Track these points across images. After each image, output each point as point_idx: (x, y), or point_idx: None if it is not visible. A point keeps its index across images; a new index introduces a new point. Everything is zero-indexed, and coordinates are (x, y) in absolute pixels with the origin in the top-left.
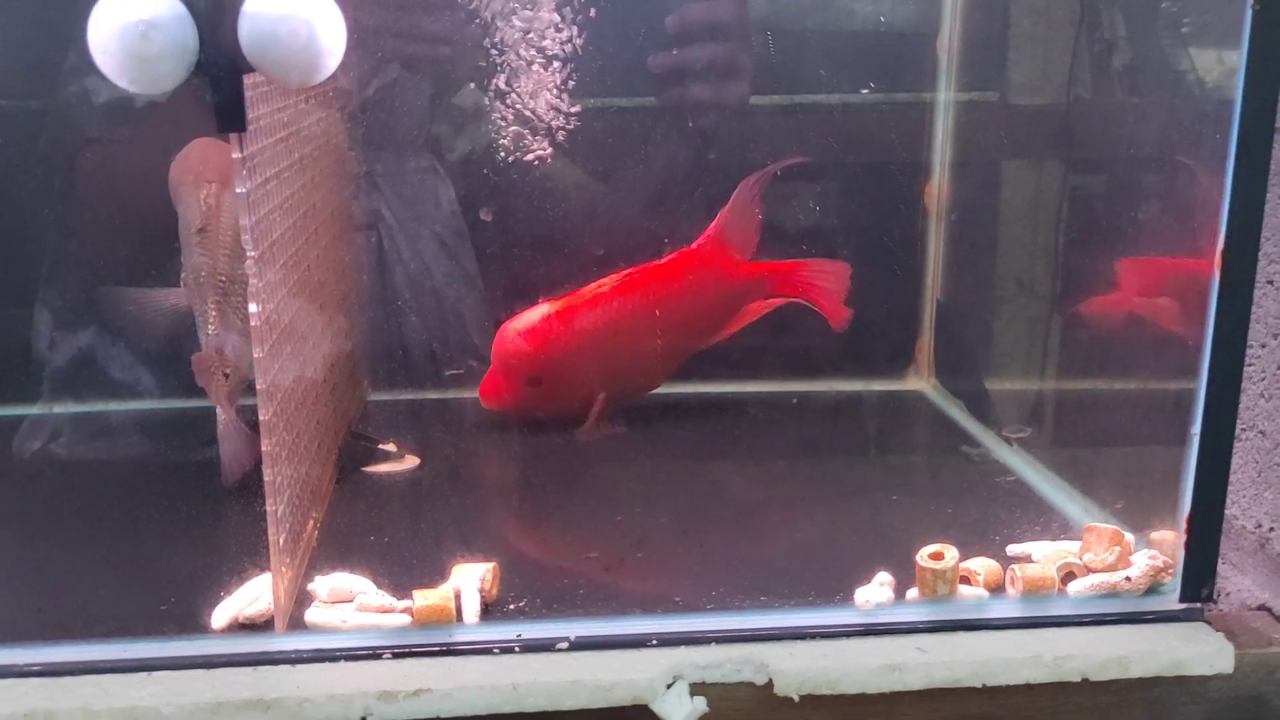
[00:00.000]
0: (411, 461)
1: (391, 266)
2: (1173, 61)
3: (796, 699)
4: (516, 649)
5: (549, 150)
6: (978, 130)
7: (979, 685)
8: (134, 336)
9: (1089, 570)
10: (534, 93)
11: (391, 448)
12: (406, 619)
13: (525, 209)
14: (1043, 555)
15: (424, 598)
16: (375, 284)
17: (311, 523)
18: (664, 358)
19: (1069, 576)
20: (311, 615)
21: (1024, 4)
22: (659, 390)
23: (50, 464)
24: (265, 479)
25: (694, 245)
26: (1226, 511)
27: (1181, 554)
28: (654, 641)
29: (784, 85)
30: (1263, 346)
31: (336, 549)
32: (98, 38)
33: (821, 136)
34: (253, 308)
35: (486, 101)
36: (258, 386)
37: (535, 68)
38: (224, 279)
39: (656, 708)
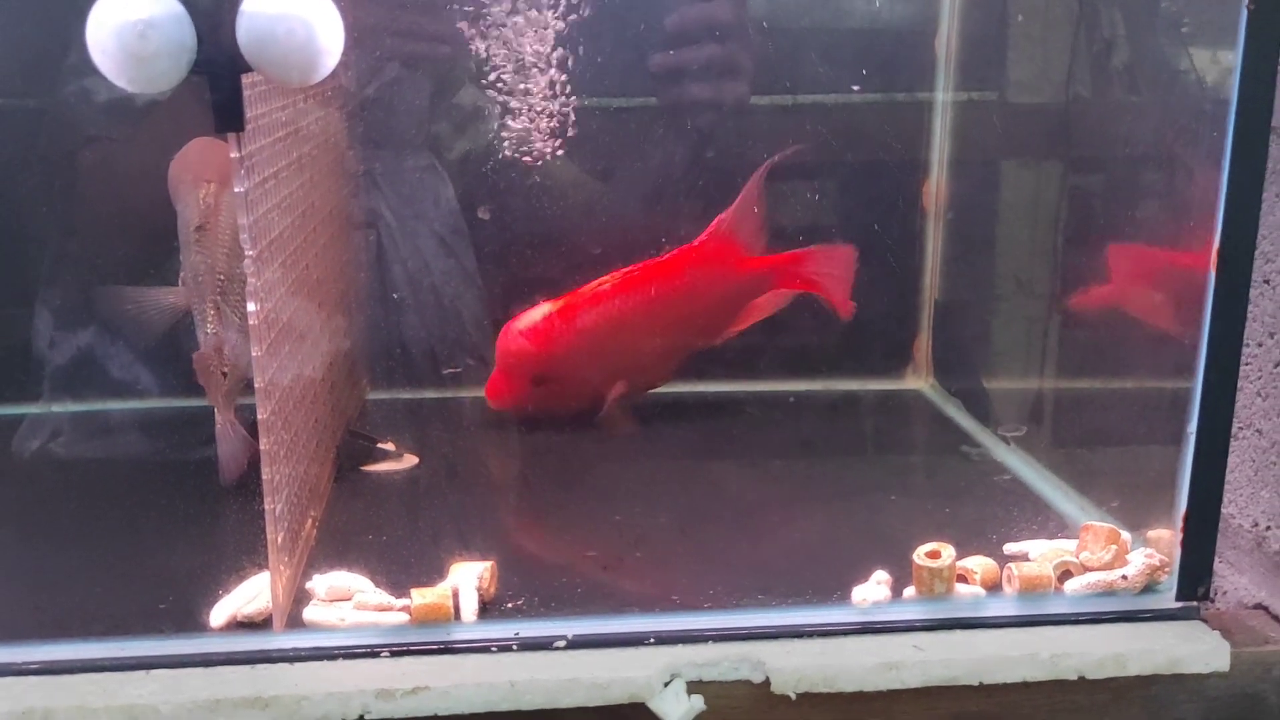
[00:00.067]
0: (410, 460)
1: (390, 265)
2: (1171, 61)
3: (794, 697)
4: (514, 647)
5: (548, 149)
6: (976, 129)
7: (976, 683)
8: (132, 335)
9: (1085, 569)
10: (533, 92)
11: (390, 446)
12: (404, 617)
13: (524, 208)
14: (1039, 554)
15: (422, 596)
16: (374, 282)
17: (310, 521)
18: (668, 354)
19: (1065, 575)
20: (309, 614)
21: (1022, 3)
22: (657, 390)
23: (49, 463)
24: (263, 477)
25: (696, 241)
26: (1223, 510)
27: (1178, 552)
28: (651, 640)
29: (782, 84)
30: (1259, 345)
31: (335, 547)
32: (96, 37)
33: (820, 136)
34: (251, 306)
35: (486, 100)
36: (256, 385)
37: (534, 67)
38: (222, 278)
39: (654, 706)
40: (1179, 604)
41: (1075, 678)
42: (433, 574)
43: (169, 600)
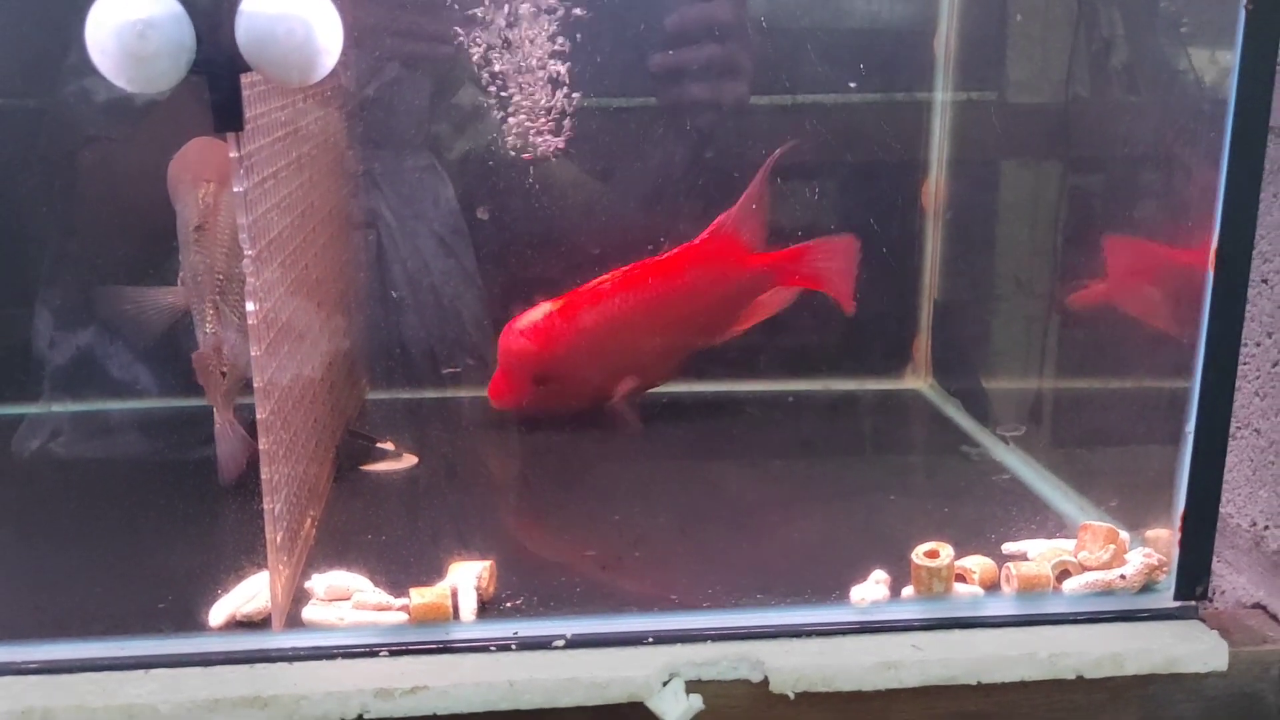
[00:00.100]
0: (409, 460)
1: (390, 265)
2: (1170, 61)
3: (792, 696)
4: (513, 646)
5: (547, 149)
6: (975, 129)
7: (974, 683)
8: (132, 335)
9: (1084, 568)
10: (533, 91)
11: (389, 446)
12: (403, 617)
13: (524, 207)
14: (1038, 553)
15: (421, 595)
16: (374, 282)
17: (309, 521)
18: (671, 352)
19: (1064, 574)
20: (308, 613)
21: (1021, 3)
22: (656, 390)
23: (49, 463)
24: (263, 477)
25: (697, 240)
26: (1222, 510)
27: (1176, 552)
28: (650, 639)
29: (782, 84)
30: (1257, 345)
31: (334, 547)
32: (95, 37)
33: (819, 135)
34: (250, 306)
35: (485, 100)
36: (255, 385)
37: (534, 67)
38: (221, 277)
39: (652, 705)
40: (1177, 603)
41: (1073, 677)
42: (432, 573)
43: (168, 600)
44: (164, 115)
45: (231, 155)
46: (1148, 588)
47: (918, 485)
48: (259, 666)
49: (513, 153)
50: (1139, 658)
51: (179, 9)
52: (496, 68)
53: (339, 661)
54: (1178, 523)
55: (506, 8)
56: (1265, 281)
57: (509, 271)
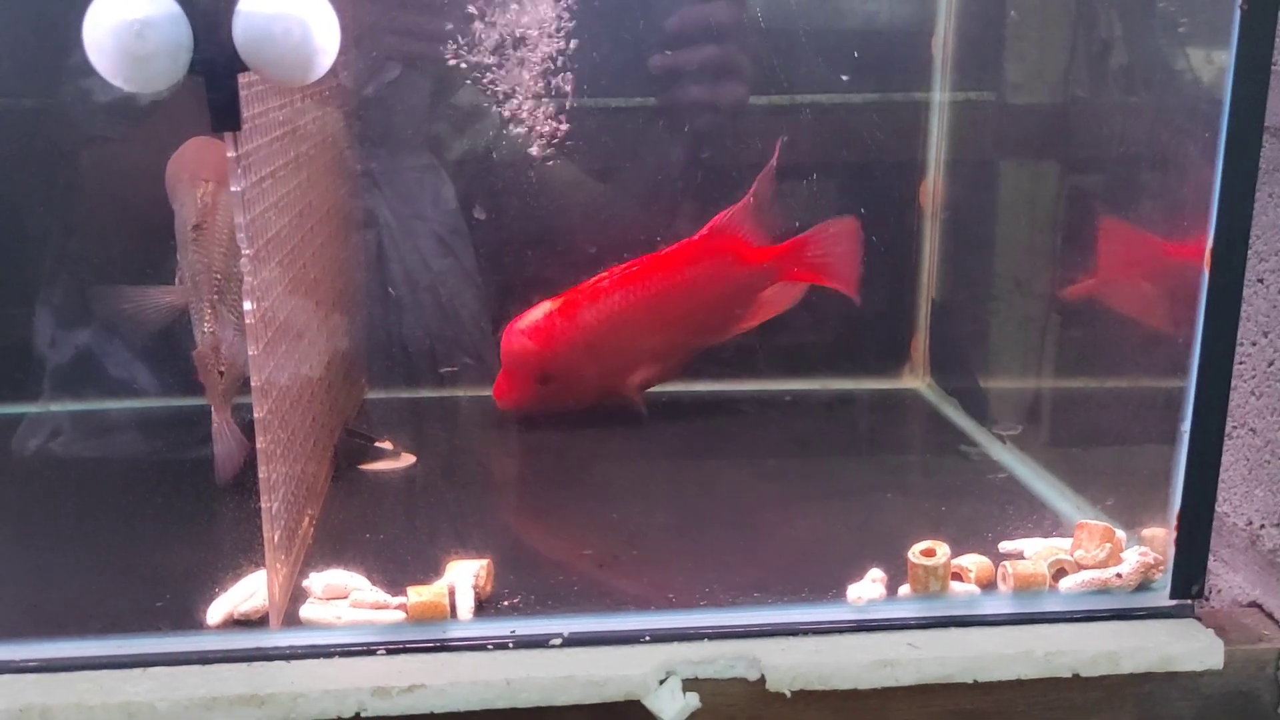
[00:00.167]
0: (407, 459)
1: (390, 264)
2: (1168, 61)
3: (789, 695)
4: (510, 645)
5: (547, 149)
6: (973, 129)
7: (970, 681)
8: (130, 334)
9: (1080, 567)
10: (532, 91)
11: (387, 445)
12: (401, 615)
13: (523, 207)
14: (1034, 552)
15: (418, 594)
16: (373, 282)
17: (307, 520)
18: (674, 347)
19: (1060, 573)
20: (306, 611)
21: (1019, 3)
22: (653, 389)
23: (48, 462)
24: (260, 476)
25: (696, 235)
26: (1218, 509)
27: (1172, 551)
28: (647, 637)
29: (779, 85)
30: (1253, 344)
31: (332, 546)
32: (93, 37)
33: (817, 136)
34: (247, 305)
35: (485, 100)
36: (253, 384)
37: (533, 66)
38: (220, 277)
39: (649, 703)
40: (1173, 602)
41: (1069, 675)
42: (429, 572)
43: (166, 598)
44: (164, 115)
45: (229, 155)
46: (1144, 586)
47: (915, 484)
48: (256, 665)
49: (512, 152)
50: (1135, 656)
51: (176, 9)
52: (496, 67)
53: (336, 660)
54: (1174, 521)
55: (506, 7)
56: (1261, 281)
57: (508, 271)
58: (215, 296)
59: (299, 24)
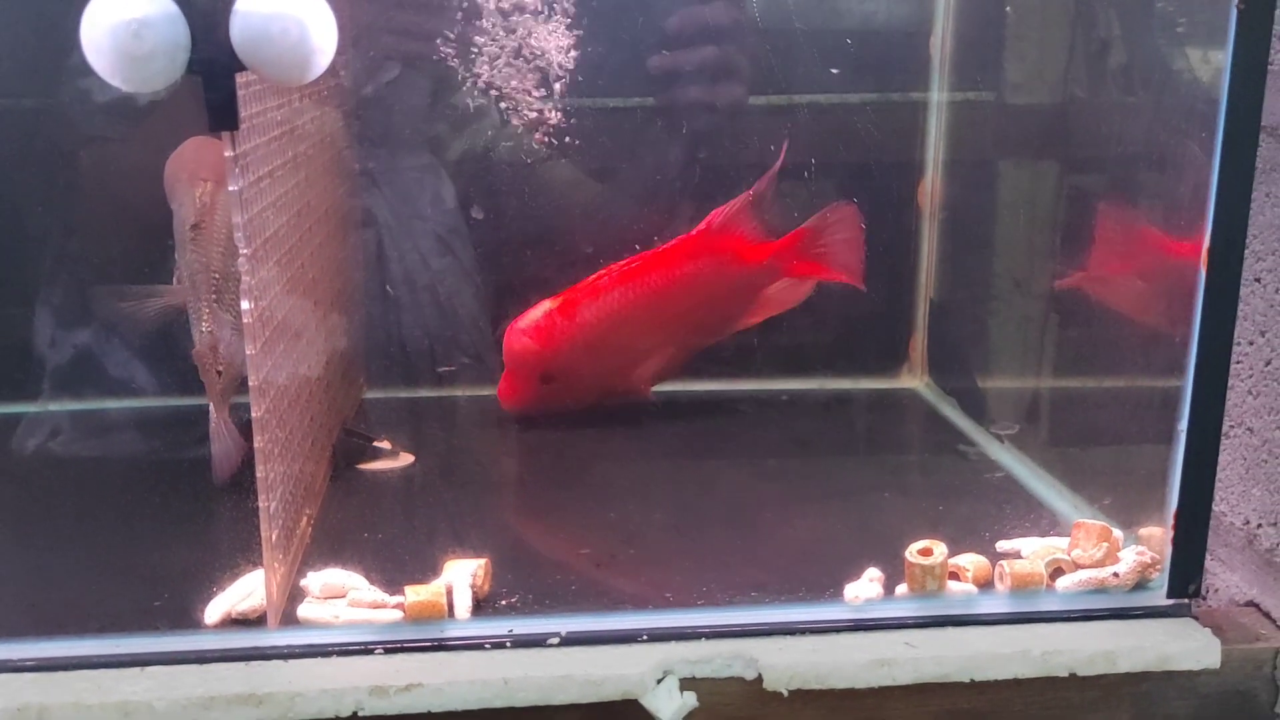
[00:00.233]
0: (405, 459)
1: (388, 263)
2: (1166, 60)
3: (786, 694)
4: (508, 644)
5: (545, 149)
6: (971, 129)
7: (967, 680)
8: (128, 334)
9: (1077, 566)
10: (531, 91)
11: (386, 445)
12: (398, 614)
13: (522, 207)
14: (1031, 551)
15: (416, 593)
16: (372, 281)
17: (305, 519)
18: (675, 343)
19: (1057, 572)
20: (304, 611)
21: (1017, 3)
22: (652, 389)
23: (48, 462)
24: (258, 475)
25: (694, 230)
26: (1215, 508)
27: (1169, 550)
28: (644, 637)
29: (778, 85)
30: (1250, 344)
31: (330, 545)
32: (90, 36)
33: (816, 135)
34: (245, 305)
35: (484, 99)
36: (250, 383)
37: (533, 66)
38: (218, 276)
39: (646, 703)
40: (1170, 601)
41: (1066, 674)
42: (427, 571)
43: (164, 597)
44: (162, 115)
45: (227, 154)
46: (1141, 585)
47: (912, 483)
48: (254, 664)
49: (511, 152)
50: (1132, 655)
51: (174, 8)
52: (495, 66)
53: (334, 659)
54: (1171, 521)
55: (506, 7)
56: (1258, 280)
57: (507, 270)
58: (213, 296)
59: (296, 24)
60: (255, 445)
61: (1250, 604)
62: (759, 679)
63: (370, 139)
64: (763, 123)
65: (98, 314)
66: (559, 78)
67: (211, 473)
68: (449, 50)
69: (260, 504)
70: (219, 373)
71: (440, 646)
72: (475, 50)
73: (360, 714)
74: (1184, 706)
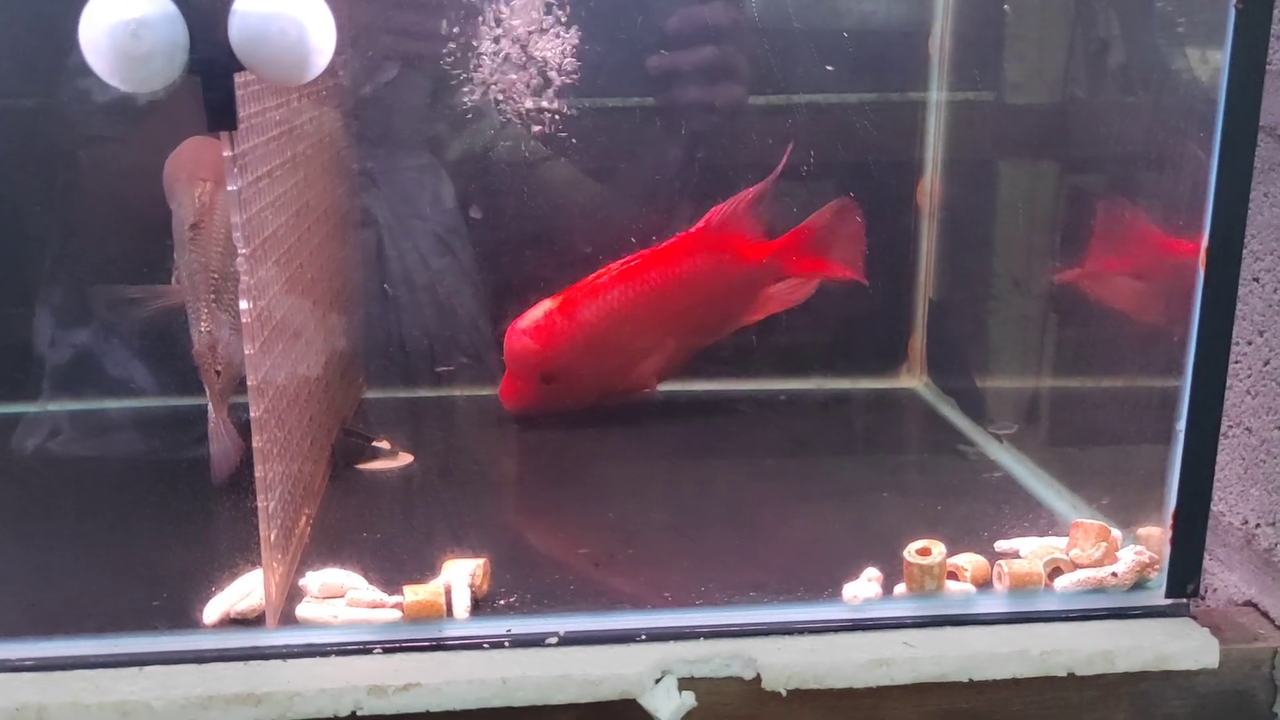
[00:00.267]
0: (404, 459)
1: (388, 263)
2: (1165, 60)
3: (784, 694)
4: (506, 644)
5: (544, 148)
6: (970, 128)
7: (965, 680)
8: (128, 334)
9: (1076, 566)
10: (530, 91)
11: (385, 445)
12: (397, 614)
13: (521, 206)
14: (1030, 551)
15: (414, 593)
16: (371, 281)
17: (304, 519)
18: (676, 341)
19: (1056, 572)
20: (303, 610)
21: (1016, 2)
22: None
23: (47, 461)
24: (256, 475)
25: (693, 228)
26: (1214, 508)
27: (1167, 550)
28: (643, 636)
29: (777, 85)
30: (1249, 344)
31: (328, 545)
32: (88, 36)
33: (815, 135)
34: (244, 304)
35: (483, 99)
36: (249, 383)
37: (532, 66)
38: (216, 276)
39: (645, 702)
40: (1169, 601)
41: (1065, 674)
42: (425, 571)
43: (162, 597)
44: (161, 115)
45: (226, 154)
46: (1139, 585)
47: (911, 483)
48: (253, 664)
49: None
50: (1130, 655)
51: (172, 9)
52: (494, 66)
53: (333, 659)
54: (1169, 521)
55: (505, 7)
56: (1257, 280)
57: (506, 270)
58: (212, 296)
59: (295, 24)
60: (254, 445)
61: (1248, 604)
62: (757, 679)
63: (369, 139)
64: (762, 122)
65: (97, 314)
66: (558, 78)
67: (210, 473)
68: (448, 50)
69: (259, 504)
70: (218, 373)
71: (439, 646)
72: (474, 50)
73: (359, 713)
74: (1182, 706)
